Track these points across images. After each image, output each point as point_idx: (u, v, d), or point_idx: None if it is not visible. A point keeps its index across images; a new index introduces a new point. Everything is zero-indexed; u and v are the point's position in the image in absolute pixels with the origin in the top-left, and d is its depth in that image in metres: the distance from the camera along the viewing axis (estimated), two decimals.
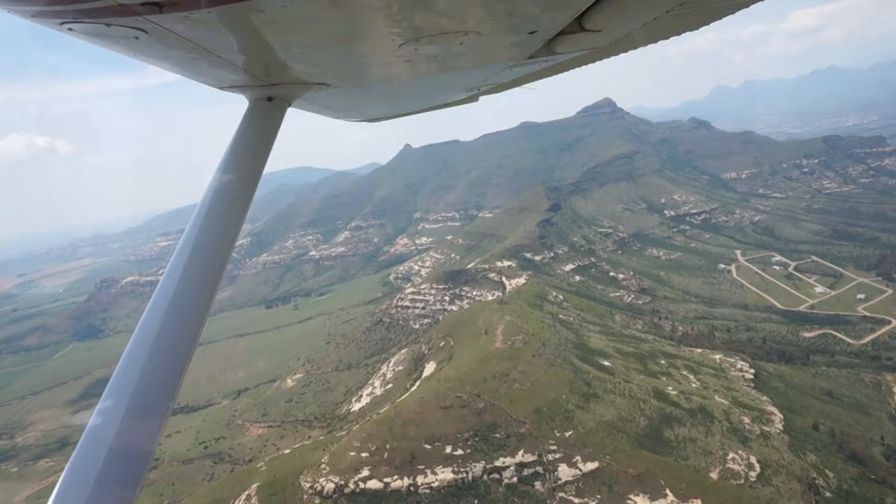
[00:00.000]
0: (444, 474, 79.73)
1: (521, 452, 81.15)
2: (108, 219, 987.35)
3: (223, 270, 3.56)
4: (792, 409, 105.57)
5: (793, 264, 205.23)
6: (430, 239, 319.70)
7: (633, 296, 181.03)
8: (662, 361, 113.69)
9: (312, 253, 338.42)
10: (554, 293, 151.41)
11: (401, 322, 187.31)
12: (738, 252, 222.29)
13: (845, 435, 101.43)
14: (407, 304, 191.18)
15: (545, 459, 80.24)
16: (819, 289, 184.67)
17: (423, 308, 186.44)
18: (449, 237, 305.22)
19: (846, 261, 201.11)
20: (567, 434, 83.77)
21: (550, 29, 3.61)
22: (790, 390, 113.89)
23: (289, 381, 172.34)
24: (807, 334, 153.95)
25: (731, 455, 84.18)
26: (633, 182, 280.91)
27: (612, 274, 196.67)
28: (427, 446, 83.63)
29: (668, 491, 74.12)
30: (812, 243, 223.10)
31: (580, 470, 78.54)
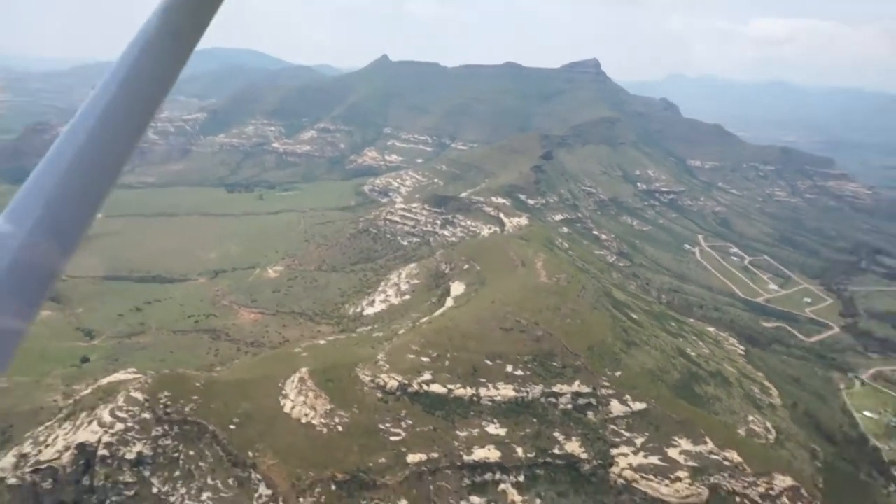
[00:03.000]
0: (506, 391, 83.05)
1: (577, 383, 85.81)
2: (26, 55, 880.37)
3: (156, 107, 3.45)
4: (775, 386, 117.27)
5: (748, 258, 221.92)
6: (400, 158, 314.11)
7: (614, 257, 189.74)
8: (673, 324, 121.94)
9: (275, 145, 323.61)
10: (559, 240, 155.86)
11: (388, 236, 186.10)
12: (701, 237, 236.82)
13: (813, 416, 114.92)
14: (396, 219, 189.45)
15: (599, 393, 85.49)
16: (772, 286, 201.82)
17: (414, 227, 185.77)
18: (421, 160, 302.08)
19: (793, 265, 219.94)
20: (617, 374, 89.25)
21: None
22: (768, 370, 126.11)
23: (270, 271, 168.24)
24: (766, 324, 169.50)
25: (750, 417, 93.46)
26: (612, 148, 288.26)
27: (594, 232, 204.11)
28: (488, 362, 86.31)
29: (707, 439, 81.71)
30: (764, 243, 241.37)
31: (630, 408, 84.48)
